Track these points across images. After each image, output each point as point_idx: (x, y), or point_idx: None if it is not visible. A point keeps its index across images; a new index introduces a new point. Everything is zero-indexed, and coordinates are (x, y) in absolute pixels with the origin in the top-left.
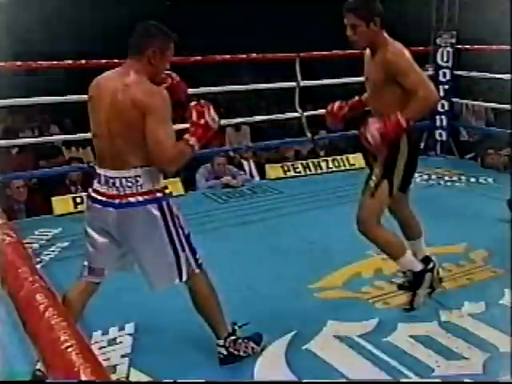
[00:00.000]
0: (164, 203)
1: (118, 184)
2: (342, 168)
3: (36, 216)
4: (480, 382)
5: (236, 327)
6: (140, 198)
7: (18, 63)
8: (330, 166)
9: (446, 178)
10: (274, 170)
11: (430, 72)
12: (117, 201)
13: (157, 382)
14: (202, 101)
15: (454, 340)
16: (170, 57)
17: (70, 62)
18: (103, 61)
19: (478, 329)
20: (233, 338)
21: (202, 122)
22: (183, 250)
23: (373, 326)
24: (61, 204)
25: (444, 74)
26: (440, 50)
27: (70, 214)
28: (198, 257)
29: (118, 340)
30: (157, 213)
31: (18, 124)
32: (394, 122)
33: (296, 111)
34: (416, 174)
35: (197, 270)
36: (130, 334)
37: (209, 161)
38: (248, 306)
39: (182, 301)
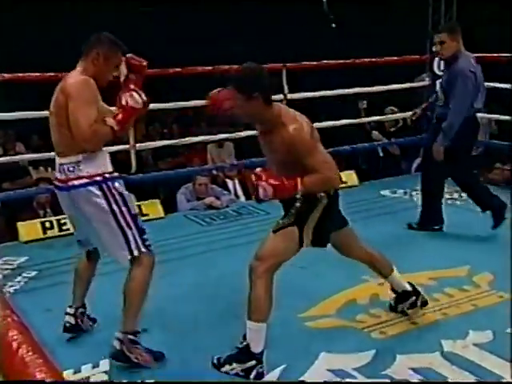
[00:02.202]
0: (104, 185)
1: (65, 169)
2: None
3: None
4: (480, 382)
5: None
6: (81, 181)
7: None
8: None
9: (446, 195)
10: None
11: (427, 82)
12: (65, 184)
13: (154, 383)
14: (132, 86)
15: (458, 372)
16: (115, 64)
17: (37, 74)
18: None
19: (485, 360)
20: (132, 337)
21: (124, 103)
22: (130, 228)
23: (370, 358)
24: (27, 229)
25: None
26: (437, 59)
27: (39, 240)
28: (145, 237)
29: (91, 379)
30: (98, 192)
31: None
32: (291, 184)
33: None
34: (413, 192)
35: (143, 249)
36: (105, 372)
37: (190, 180)
38: (233, 335)
39: (160, 335)
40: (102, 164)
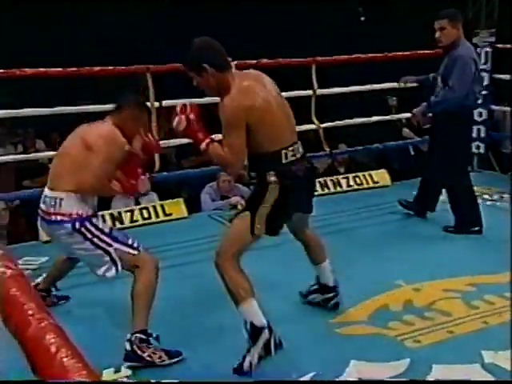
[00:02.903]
0: (77, 223)
1: (47, 202)
2: (365, 186)
3: (19, 242)
4: (480, 382)
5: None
6: (57, 218)
7: (1, 70)
8: (351, 183)
9: (486, 196)
10: None
11: None
12: (46, 216)
13: (156, 383)
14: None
15: None
16: (141, 124)
17: (60, 69)
18: (96, 68)
19: None
20: (141, 336)
21: (133, 182)
22: (110, 246)
23: (404, 368)
24: None
25: None
26: (477, 51)
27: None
28: (130, 242)
29: None
30: (71, 230)
31: None
32: (201, 136)
33: (312, 123)
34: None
35: (135, 252)
36: (126, 377)
37: (214, 179)
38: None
39: (183, 337)
40: (82, 206)
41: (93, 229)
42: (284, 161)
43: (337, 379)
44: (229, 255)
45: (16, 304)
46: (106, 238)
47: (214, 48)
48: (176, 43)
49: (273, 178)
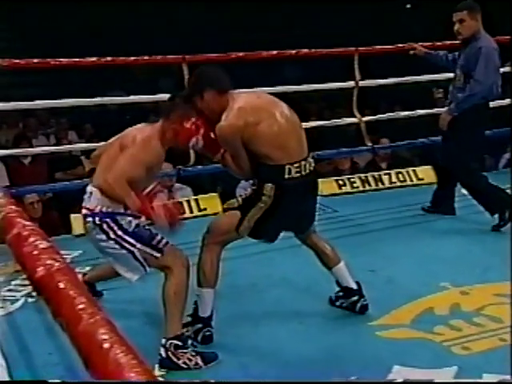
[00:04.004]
0: (97, 218)
1: (85, 197)
2: (408, 183)
3: (52, 236)
4: (481, 382)
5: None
6: (84, 211)
7: (35, 60)
8: (394, 180)
9: None
10: (326, 185)
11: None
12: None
13: (162, 382)
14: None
15: None
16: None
17: (94, 59)
18: (131, 58)
19: None
20: (176, 342)
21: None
22: (133, 246)
23: (451, 376)
24: (81, 222)
25: None
26: None
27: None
28: (155, 242)
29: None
30: (93, 225)
31: (30, 129)
32: (217, 148)
33: (353, 116)
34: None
35: (157, 255)
36: (161, 376)
37: None
38: (298, 344)
39: (217, 336)
40: (106, 202)
41: (116, 228)
42: (286, 176)
43: None
44: (216, 239)
45: (66, 298)
46: (128, 238)
47: (214, 73)
48: (212, 35)
49: (269, 191)
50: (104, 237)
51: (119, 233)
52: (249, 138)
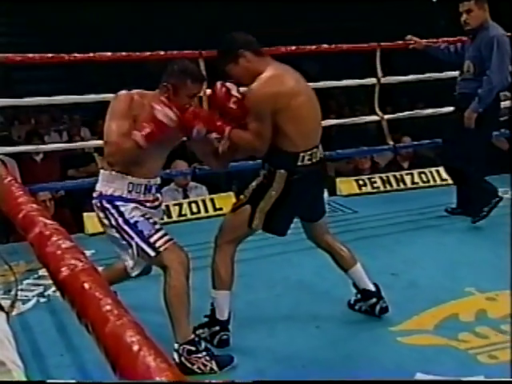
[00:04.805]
0: (96, 200)
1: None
2: (431, 183)
3: None
4: (480, 382)
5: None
6: (94, 194)
7: (49, 55)
8: (416, 180)
9: None
10: (346, 185)
11: None
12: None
13: (170, 383)
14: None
15: None
16: (187, 95)
17: (109, 54)
18: (146, 53)
19: None
20: (189, 347)
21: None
22: (132, 239)
23: None
24: (94, 221)
25: None
26: None
27: (104, 232)
28: (153, 240)
29: None
30: (95, 207)
31: (43, 126)
32: (220, 126)
33: (374, 113)
34: None
35: (152, 253)
36: None
37: None
38: (315, 349)
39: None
40: (106, 184)
41: (116, 215)
42: (299, 163)
43: None
44: (228, 238)
45: (91, 299)
46: (128, 230)
47: (248, 36)
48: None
49: (281, 176)
50: (107, 222)
51: (120, 221)
52: (280, 109)
